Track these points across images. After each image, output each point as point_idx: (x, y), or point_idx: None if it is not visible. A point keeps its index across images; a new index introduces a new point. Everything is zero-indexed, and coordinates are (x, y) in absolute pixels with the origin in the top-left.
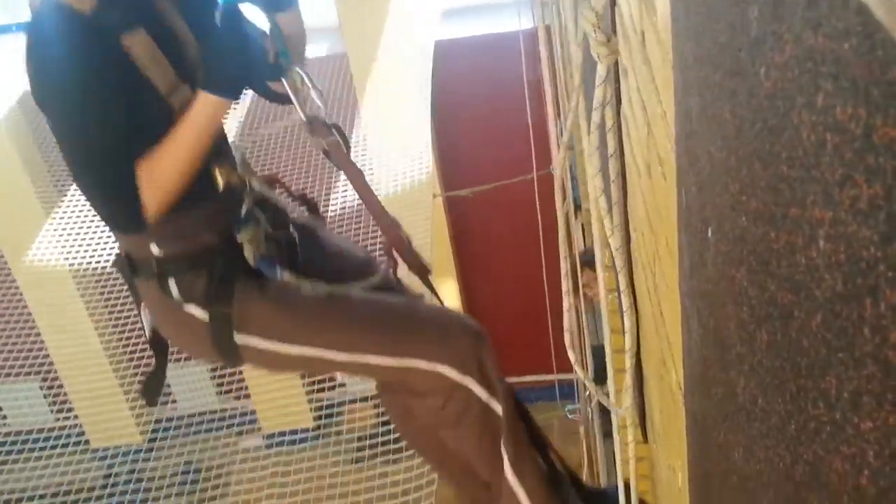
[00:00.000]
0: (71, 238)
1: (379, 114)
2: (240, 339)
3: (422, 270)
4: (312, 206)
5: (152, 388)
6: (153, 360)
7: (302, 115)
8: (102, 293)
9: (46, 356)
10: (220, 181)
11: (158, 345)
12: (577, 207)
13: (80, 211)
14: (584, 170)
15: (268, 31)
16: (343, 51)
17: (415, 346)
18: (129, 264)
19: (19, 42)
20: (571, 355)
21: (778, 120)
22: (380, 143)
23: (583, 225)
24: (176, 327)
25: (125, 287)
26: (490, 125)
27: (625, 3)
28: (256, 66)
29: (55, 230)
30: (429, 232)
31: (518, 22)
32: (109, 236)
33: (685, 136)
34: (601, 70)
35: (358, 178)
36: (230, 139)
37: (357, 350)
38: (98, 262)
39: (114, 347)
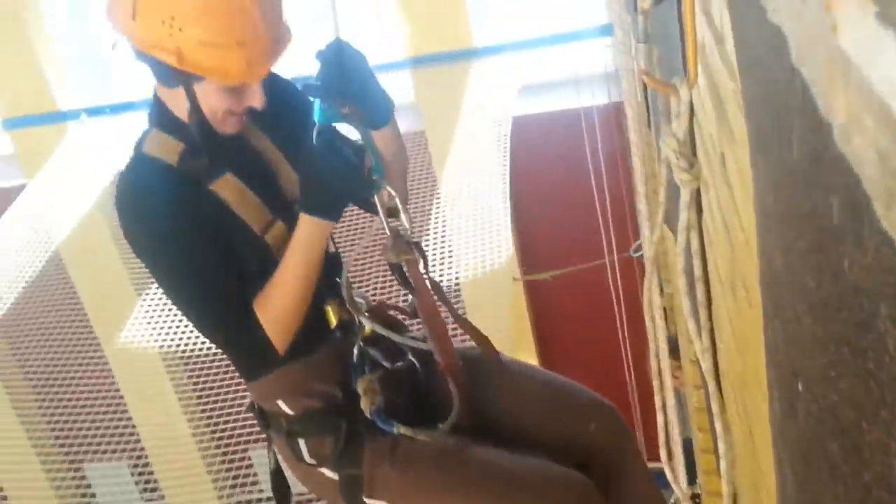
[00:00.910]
0: (161, 320)
1: (458, 192)
2: (368, 501)
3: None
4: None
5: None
6: (242, 452)
7: (386, 229)
8: (191, 376)
9: (136, 437)
10: (334, 319)
11: (280, 490)
12: (660, 290)
13: None
14: (665, 254)
15: (363, 146)
16: (421, 127)
17: None
18: (261, 415)
19: (113, 124)
20: (668, 471)
21: (864, 317)
22: (459, 223)
23: (665, 309)
24: (307, 481)
25: (212, 370)
26: (568, 202)
27: (705, 122)
28: (352, 184)
29: (146, 312)
30: (509, 316)
31: (592, 97)
32: None
33: (770, 280)
34: (685, 195)
35: (428, 300)
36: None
37: None
38: (187, 344)
39: (202, 431)
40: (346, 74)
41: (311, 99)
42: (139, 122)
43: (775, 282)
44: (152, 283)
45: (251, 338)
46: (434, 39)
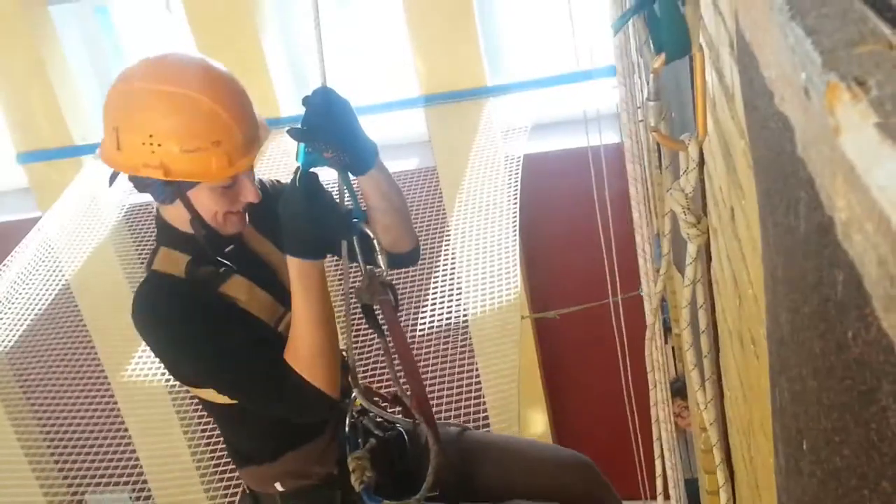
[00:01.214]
0: None
1: (468, 228)
2: None
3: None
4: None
5: None
6: (243, 483)
7: (363, 269)
8: (196, 410)
9: (138, 468)
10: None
11: None
12: (668, 330)
13: None
14: (673, 294)
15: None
16: (433, 164)
17: None
18: (253, 501)
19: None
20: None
21: (867, 389)
22: (469, 260)
23: (673, 348)
24: None
25: None
26: (577, 240)
27: (715, 175)
28: (330, 226)
29: None
30: (516, 353)
31: (599, 137)
32: None
33: (777, 339)
34: (691, 249)
35: (401, 338)
36: None
37: None
38: None
39: (205, 465)
40: (330, 120)
41: (296, 143)
42: None
43: (782, 341)
44: None
45: (294, 385)
46: (448, 78)
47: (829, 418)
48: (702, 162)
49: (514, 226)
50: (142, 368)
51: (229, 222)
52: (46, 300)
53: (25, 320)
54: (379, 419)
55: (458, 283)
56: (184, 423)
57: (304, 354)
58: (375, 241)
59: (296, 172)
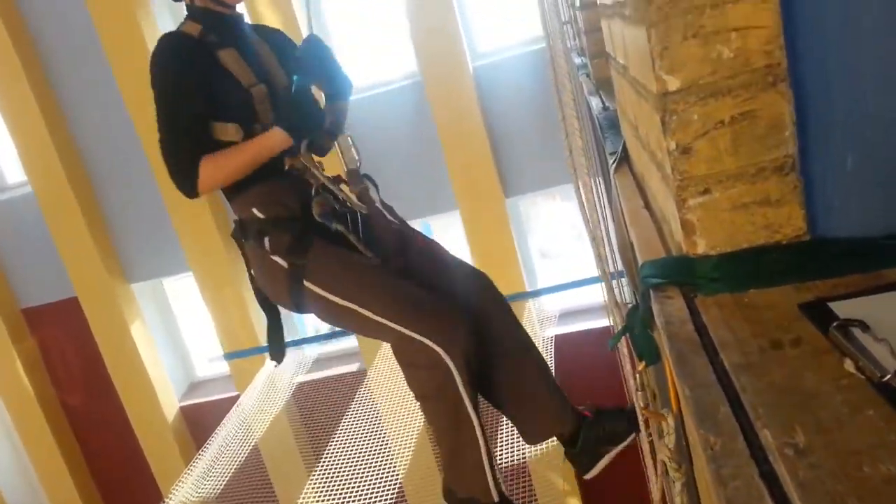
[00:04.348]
0: (330, 490)
1: None
2: (307, 284)
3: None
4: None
5: (275, 344)
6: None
7: (344, 167)
8: None
9: None
10: (286, 165)
11: (266, 303)
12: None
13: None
14: None
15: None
16: None
17: (423, 325)
18: (240, 228)
19: (296, 353)
20: None
21: None
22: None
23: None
24: (266, 273)
25: None
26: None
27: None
28: (315, 119)
29: (318, 483)
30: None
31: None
32: None
33: None
34: (677, 486)
35: (375, 210)
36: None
37: (384, 315)
38: None
39: None
40: (319, 58)
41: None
42: (315, 350)
43: None
44: (320, 463)
45: (186, 168)
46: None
47: None
48: (682, 421)
49: None
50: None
51: None
52: (240, 460)
53: (226, 476)
54: (341, 198)
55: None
56: None
57: (218, 168)
58: (351, 141)
59: (293, 83)
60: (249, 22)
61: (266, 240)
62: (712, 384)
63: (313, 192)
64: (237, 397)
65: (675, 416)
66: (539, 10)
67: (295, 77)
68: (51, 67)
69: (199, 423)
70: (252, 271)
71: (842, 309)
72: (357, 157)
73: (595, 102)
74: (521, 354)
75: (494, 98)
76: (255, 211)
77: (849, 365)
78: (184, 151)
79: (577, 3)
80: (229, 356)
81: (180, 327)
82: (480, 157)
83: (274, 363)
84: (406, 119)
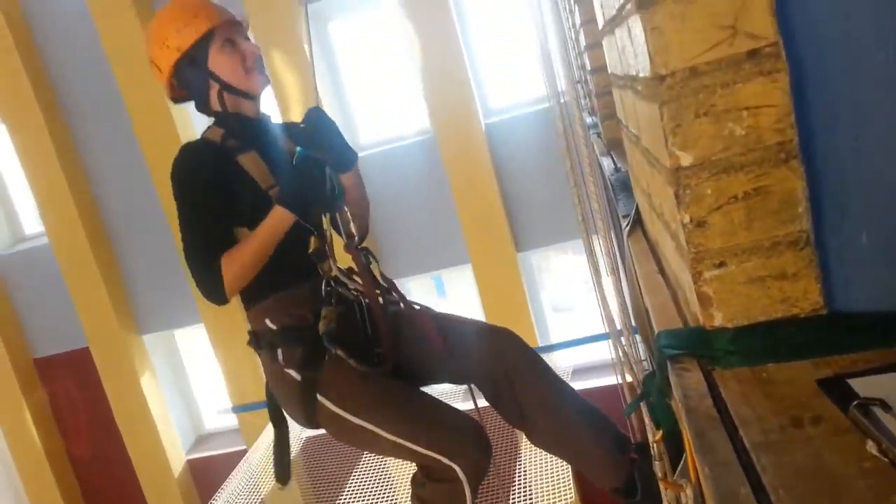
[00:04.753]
0: None
1: (533, 453)
2: (320, 399)
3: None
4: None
5: (281, 464)
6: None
7: (343, 237)
8: None
9: None
10: (312, 246)
11: (277, 415)
12: None
13: None
14: None
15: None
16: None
17: (440, 445)
18: (254, 339)
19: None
20: None
21: None
22: (535, 475)
23: None
24: (279, 387)
25: None
26: None
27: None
28: (317, 194)
29: None
30: None
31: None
32: None
33: None
34: None
35: (368, 282)
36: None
37: (399, 435)
38: None
39: None
40: (320, 129)
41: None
42: None
43: None
44: None
45: (211, 275)
46: None
47: None
48: (700, 492)
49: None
50: None
51: (252, 79)
52: None
53: None
54: (352, 289)
55: (526, 495)
56: None
57: (237, 262)
58: (349, 214)
59: (296, 155)
60: (280, 121)
61: (279, 352)
62: (732, 463)
63: (323, 291)
64: (245, 451)
65: (693, 486)
66: (542, 70)
67: (298, 149)
68: (72, 121)
69: (206, 477)
70: (267, 383)
71: (861, 386)
72: (355, 230)
73: (607, 163)
74: (565, 411)
75: (506, 154)
76: (267, 322)
77: (871, 447)
78: (208, 263)
79: (588, 67)
80: (238, 409)
81: (190, 379)
82: (492, 212)
83: (279, 486)
84: (419, 174)
